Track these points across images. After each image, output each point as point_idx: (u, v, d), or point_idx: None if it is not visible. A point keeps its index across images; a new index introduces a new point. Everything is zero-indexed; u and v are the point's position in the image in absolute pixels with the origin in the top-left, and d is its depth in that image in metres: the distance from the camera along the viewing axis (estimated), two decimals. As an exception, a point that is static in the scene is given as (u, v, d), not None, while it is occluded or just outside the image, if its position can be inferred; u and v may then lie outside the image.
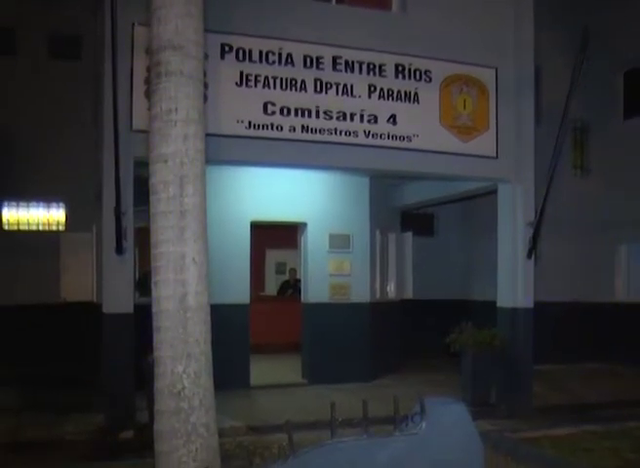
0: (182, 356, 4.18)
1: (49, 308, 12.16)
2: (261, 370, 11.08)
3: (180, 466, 4.21)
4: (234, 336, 9.95)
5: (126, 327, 7.97)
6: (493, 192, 10.26)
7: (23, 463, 6.92)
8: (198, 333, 4.24)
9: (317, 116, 8.57)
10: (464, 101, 9.35)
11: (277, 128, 8.40)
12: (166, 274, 4.21)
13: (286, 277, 16.16)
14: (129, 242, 7.96)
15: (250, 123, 8.30)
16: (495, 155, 9.53)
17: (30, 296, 12.15)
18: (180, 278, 4.20)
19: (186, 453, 4.21)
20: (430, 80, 9.15)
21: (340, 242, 11.22)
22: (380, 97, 8.89)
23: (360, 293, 11.38)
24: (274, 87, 8.42)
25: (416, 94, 9.07)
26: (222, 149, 7.88)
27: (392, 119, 8.92)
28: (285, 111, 8.43)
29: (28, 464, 6.85)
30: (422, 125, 9.11)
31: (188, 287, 4.21)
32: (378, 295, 11.90)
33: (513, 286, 9.72)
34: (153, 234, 4.30)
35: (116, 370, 8.03)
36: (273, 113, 8.38)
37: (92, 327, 10.19)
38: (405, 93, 9.01)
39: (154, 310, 4.28)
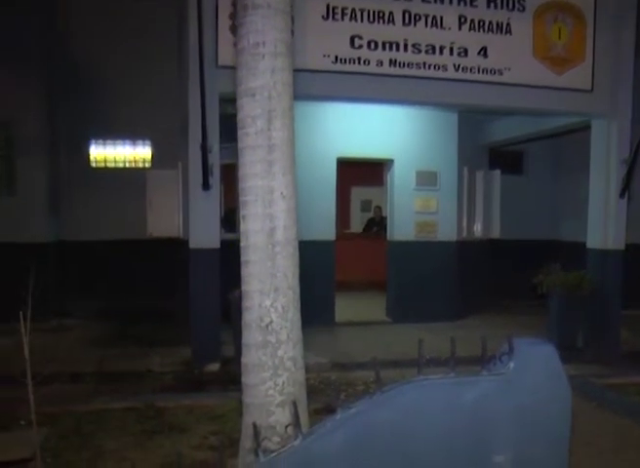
0: (270, 290, 4.19)
1: (136, 244, 12.43)
2: (346, 307, 11.17)
3: (267, 399, 4.25)
4: (320, 273, 10.01)
5: (212, 262, 8.11)
6: (586, 128, 9.86)
7: (110, 393, 7.18)
8: (286, 268, 4.23)
9: (405, 50, 8.34)
10: (559, 31, 8.91)
11: (364, 62, 8.22)
12: (254, 208, 4.19)
13: (371, 215, 16.13)
14: (215, 178, 8.02)
15: (336, 57, 8.15)
16: (590, 88, 9.11)
17: (118, 232, 12.44)
18: (268, 212, 4.17)
19: (273, 386, 4.24)
20: (523, 9, 8.75)
21: (426, 179, 11.06)
22: (470, 29, 8.57)
23: (446, 232, 11.25)
24: (361, 20, 8.21)
25: (508, 24, 8.69)
26: (309, 84, 7.78)
27: (483, 51, 8.62)
28: (372, 45, 8.23)
29: (115, 394, 7.10)
30: (514, 57, 8.77)
31: (277, 221, 4.18)
32: (464, 234, 11.74)
33: (604, 226, 9.42)
34: (241, 168, 4.28)
35: (203, 305, 8.21)
36: (360, 47, 8.20)
37: (178, 262, 10.41)
38: (496, 23, 8.65)
39: (242, 244, 4.28)
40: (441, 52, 8.49)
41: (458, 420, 3.47)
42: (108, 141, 13.18)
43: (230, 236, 8.92)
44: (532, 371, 3.65)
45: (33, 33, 11.61)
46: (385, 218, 12.67)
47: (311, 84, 7.91)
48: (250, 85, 4.22)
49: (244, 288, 4.30)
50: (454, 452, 3.39)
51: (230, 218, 10.69)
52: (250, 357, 4.28)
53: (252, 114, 4.21)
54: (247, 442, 4.33)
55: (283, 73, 4.27)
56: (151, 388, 7.52)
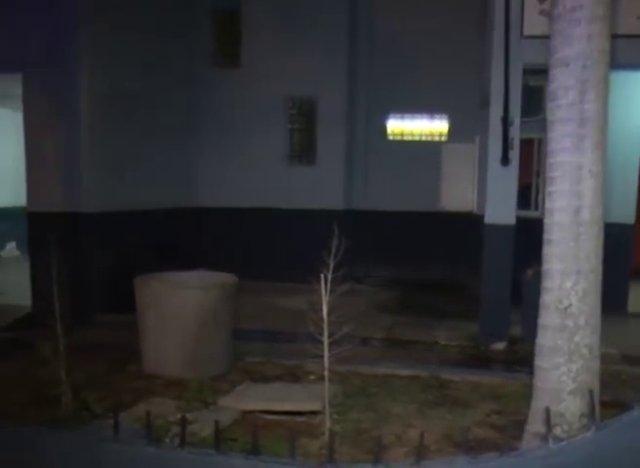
0: (572, 272, 4.01)
1: (428, 216, 12.59)
2: (640, 296, 10.34)
3: (559, 385, 4.11)
4: (615, 258, 9.22)
5: (507, 238, 7.94)
6: None
7: (396, 359, 7.35)
8: (590, 249, 4.01)
9: None
10: None
11: (687, 21, 7.38)
12: (561, 185, 4.01)
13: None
14: (515, 152, 7.81)
15: (653, 18, 7.41)
16: None
17: (410, 204, 12.67)
18: (575, 190, 3.97)
19: (566, 372, 4.09)
20: None
21: None
22: None
23: None
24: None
25: None
26: (618, 51, 7.16)
27: None
28: (700, -4, 7.32)
29: (401, 361, 7.22)
30: None
31: (583, 199, 3.96)
32: None
33: None
34: (550, 143, 4.11)
35: (494, 282, 8.09)
36: (685, 1, 7.36)
37: (470, 237, 10.35)
38: None
39: (546, 221, 4.13)
40: None
41: None
42: (406, 115, 13.41)
43: (524, 213, 8.68)
44: None
45: (340, 10, 12.19)
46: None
47: (621, 51, 7.25)
48: (564, 53, 4.01)
49: (544, 267, 4.16)
50: None
51: (525, 195, 10.35)
52: (545, 339, 4.15)
53: (564, 85, 4.01)
54: (533, 426, 4.25)
55: (599, 39, 4.00)
56: (436, 359, 7.58)
